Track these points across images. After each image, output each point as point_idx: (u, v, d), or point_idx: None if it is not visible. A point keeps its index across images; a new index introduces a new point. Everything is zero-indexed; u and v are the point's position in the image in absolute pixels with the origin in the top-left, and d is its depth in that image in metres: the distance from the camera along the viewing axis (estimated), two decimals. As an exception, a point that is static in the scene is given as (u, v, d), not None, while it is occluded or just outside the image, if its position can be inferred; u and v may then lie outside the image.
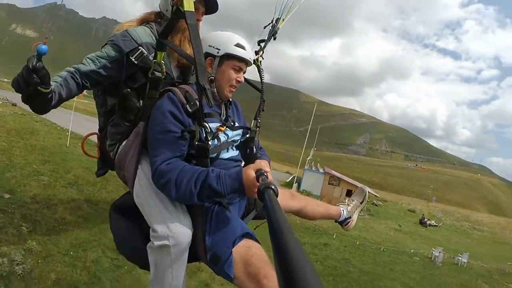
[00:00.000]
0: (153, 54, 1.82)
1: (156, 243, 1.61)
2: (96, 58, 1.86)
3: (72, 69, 1.82)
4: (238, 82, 1.81)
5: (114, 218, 1.92)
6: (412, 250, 17.74)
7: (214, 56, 1.74)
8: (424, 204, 66.17)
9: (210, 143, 1.59)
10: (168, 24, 1.62)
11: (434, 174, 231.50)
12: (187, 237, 1.62)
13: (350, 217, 2.56)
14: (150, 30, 2.03)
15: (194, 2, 1.84)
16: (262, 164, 1.45)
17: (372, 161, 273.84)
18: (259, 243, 1.62)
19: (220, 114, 1.84)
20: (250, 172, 1.42)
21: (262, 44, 2.42)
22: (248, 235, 1.61)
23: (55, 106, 1.71)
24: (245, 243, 1.57)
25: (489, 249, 30.58)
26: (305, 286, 0.45)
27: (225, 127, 1.78)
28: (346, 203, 2.62)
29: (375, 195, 49.24)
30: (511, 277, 16.44)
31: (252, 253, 1.53)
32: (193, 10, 1.51)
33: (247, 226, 1.75)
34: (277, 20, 2.51)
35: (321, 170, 36.97)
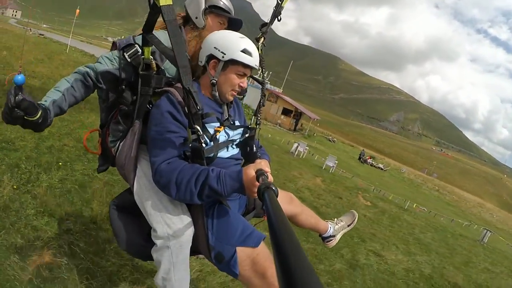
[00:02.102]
0: (166, 62, 1.83)
1: (157, 242, 1.66)
2: (114, 58, 1.79)
3: (85, 70, 1.77)
4: (241, 87, 1.77)
5: (114, 217, 1.94)
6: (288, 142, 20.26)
7: (218, 60, 1.68)
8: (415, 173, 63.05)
9: (204, 145, 1.56)
10: (148, 18, 1.61)
11: (454, 161, 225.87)
12: (187, 236, 1.65)
13: (334, 236, 2.55)
14: None
15: (218, 15, 1.96)
16: (262, 164, 1.43)
17: (393, 136, 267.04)
18: (264, 238, 1.63)
19: (221, 113, 1.81)
20: (250, 172, 1.40)
21: (264, 29, 2.17)
22: (254, 233, 1.63)
23: (52, 120, 1.68)
24: (252, 243, 1.59)
25: (423, 198, 28.02)
26: (305, 286, 0.46)
27: (223, 127, 1.76)
28: (335, 222, 2.61)
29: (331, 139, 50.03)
30: (381, 200, 13.58)
31: (258, 251, 1.56)
32: (171, 4, 1.43)
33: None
34: None
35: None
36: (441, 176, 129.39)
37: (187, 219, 1.69)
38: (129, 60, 1.75)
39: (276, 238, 0.65)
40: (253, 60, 1.72)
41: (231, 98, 1.82)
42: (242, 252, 1.56)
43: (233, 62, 1.68)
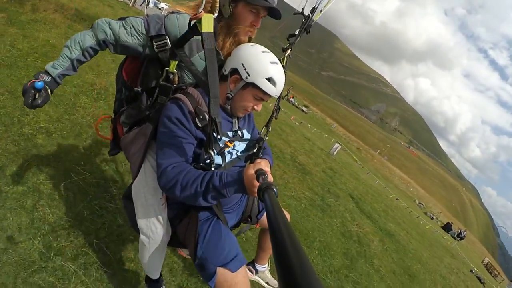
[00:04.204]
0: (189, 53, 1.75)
1: (140, 235, 1.92)
2: (142, 34, 1.72)
3: (104, 36, 1.72)
4: (254, 110, 1.77)
5: (125, 205, 2.10)
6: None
7: (241, 77, 1.64)
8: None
9: (213, 169, 1.62)
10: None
11: (419, 159, 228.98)
12: (163, 241, 1.90)
13: (257, 272, 2.60)
14: None
15: (249, 3, 1.71)
16: (262, 163, 1.42)
17: (365, 121, 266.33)
18: (245, 264, 1.69)
19: (231, 124, 1.81)
20: (250, 171, 1.39)
21: (291, 39, 2.15)
22: (237, 258, 1.65)
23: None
24: (233, 267, 1.61)
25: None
26: (306, 285, 0.45)
27: (233, 143, 1.77)
28: (268, 271, 2.67)
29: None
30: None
31: (237, 280, 1.58)
32: (212, 32, 1.37)
33: (238, 243, 1.78)
34: (313, 10, 2.14)
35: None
36: (396, 164, 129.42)
37: (167, 228, 1.90)
38: (156, 50, 1.73)
39: (276, 237, 0.65)
40: (275, 91, 1.67)
41: (241, 115, 1.82)
42: (222, 276, 1.60)
43: (255, 86, 1.64)
